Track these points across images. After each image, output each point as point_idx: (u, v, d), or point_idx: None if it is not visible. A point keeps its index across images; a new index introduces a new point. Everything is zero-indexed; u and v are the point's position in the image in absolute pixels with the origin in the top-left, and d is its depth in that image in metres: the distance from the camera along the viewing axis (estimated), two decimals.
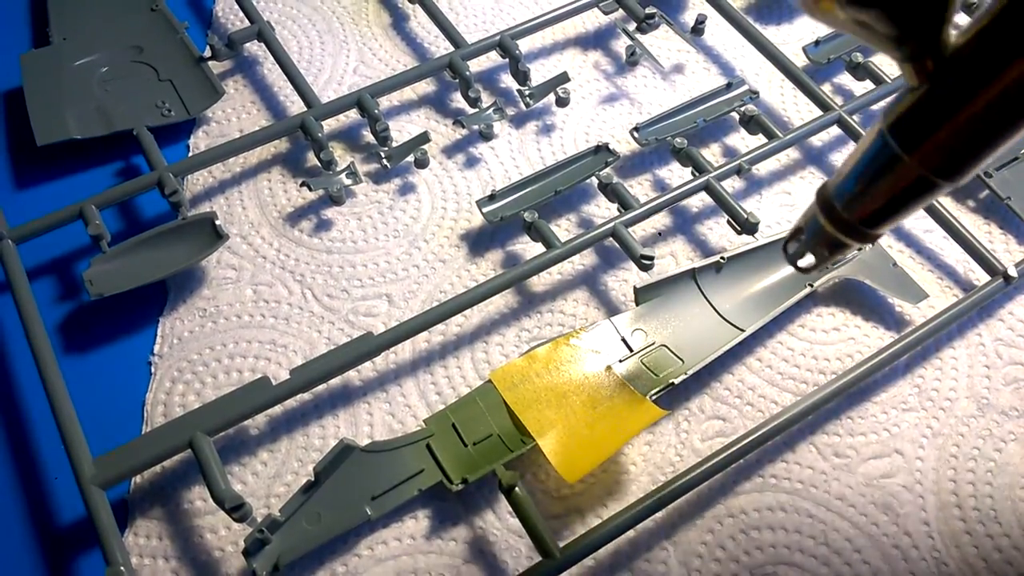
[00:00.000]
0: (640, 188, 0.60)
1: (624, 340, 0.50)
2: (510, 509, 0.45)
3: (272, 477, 0.48)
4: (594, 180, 0.57)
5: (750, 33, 0.64)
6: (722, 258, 0.52)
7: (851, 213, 0.31)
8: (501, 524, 0.46)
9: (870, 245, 0.33)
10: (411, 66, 0.64)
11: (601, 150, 0.58)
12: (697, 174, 0.57)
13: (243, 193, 0.59)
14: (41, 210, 0.54)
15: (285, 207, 0.58)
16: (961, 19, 0.64)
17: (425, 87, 0.64)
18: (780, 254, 0.53)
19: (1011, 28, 0.26)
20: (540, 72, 0.65)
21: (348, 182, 0.58)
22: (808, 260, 0.34)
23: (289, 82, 0.61)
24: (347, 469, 0.45)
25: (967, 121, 0.27)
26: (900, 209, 0.31)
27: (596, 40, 0.68)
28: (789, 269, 0.54)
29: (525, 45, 0.65)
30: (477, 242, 0.57)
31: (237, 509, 0.42)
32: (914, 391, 0.51)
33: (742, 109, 0.60)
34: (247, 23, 0.64)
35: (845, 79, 0.66)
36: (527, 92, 0.61)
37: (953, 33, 0.27)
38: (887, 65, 0.65)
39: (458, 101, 0.64)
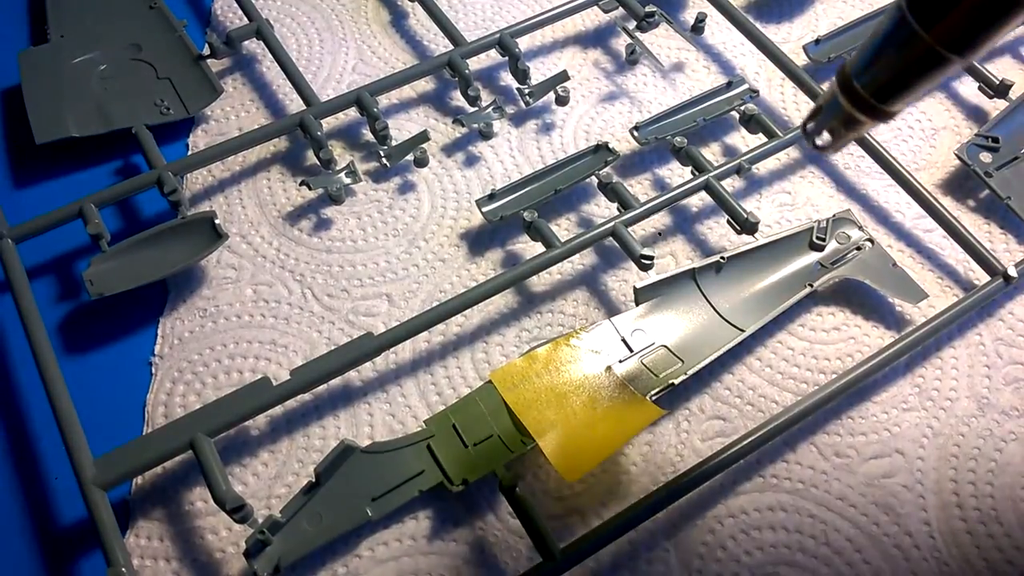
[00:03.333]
0: (640, 187, 0.59)
1: (624, 340, 0.50)
2: (510, 510, 0.45)
3: (273, 478, 0.48)
4: (594, 179, 0.57)
5: (750, 32, 0.64)
6: (722, 258, 0.52)
7: (868, 89, 0.33)
8: (501, 525, 0.46)
9: (882, 123, 0.35)
10: (410, 64, 0.64)
11: (601, 149, 0.58)
12: (697, 173, 0.57)
13: (242, 192, 0.59)
14: (40, 209, 0.53)
15: (284, 206, 0.58)
16: None
17: (424, 85, 0.64)
18: (780, 254, 0.54)
19: None
20: (540, 70, 0.65)
21: (347, 181, 0.57)
22: (825, 138, 0.36)
23: (288, 80, 0.61)
24: (348, 470, 0.45)
25: None
26: (913, 84, 0.32)
27: (596, 38, 0.68)
28: (789, 269, 0.54)
29: (525, 43, 0.65)
30: (477, 241, 0.57)
31: (238, 510, 0.42)
32: (914, 391, 0.51)
33: (742, 108, 0.60)
34: (246, 21, 0.64)
35: None
36: (527, 91, 0.61)
37: None
38: None
39: (457, 99, 0.63)
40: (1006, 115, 0.60)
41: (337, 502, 0.45)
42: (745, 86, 0.62)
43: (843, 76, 0.33)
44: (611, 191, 0.55)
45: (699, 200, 0.58)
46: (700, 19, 0.65)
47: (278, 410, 0.49)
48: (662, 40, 0.67)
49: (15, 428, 0.50)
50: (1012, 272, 0.53)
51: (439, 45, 0.66)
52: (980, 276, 0.55)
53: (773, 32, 0.67)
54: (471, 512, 0.47)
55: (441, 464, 0.46)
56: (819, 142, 0.36)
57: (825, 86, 0.62)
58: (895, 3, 0.31)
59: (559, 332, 0.53)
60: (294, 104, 0.62)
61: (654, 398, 0.48)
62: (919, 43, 0.30)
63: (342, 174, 0.57)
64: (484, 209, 0.55)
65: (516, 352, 0.52)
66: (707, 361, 0.49)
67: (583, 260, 0.56)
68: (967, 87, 0.64)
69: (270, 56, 0.63)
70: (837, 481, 0.48)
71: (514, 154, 0.61)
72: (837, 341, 0.53)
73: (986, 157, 0.58)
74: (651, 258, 0.52)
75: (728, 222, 0.55)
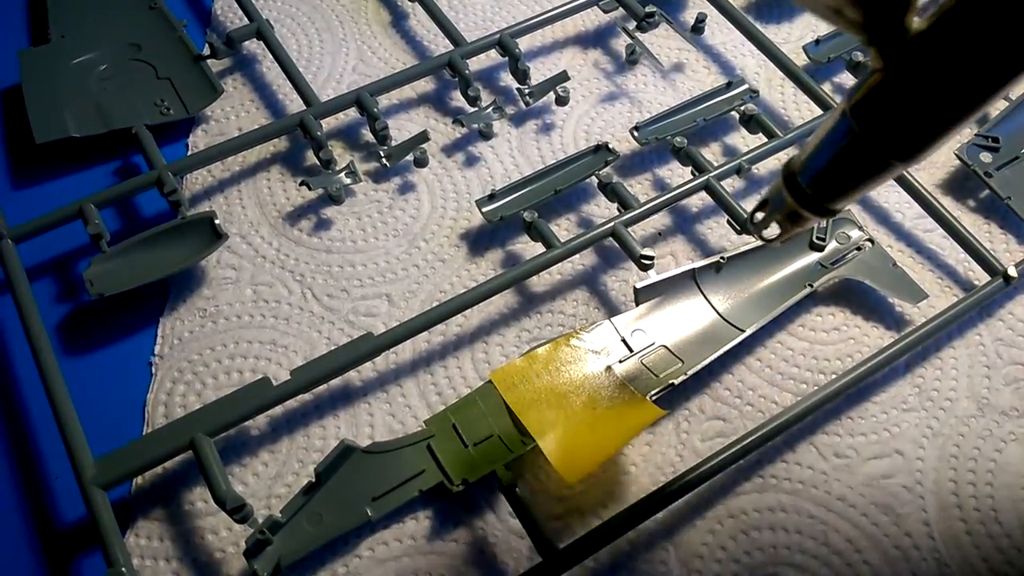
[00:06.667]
0: (640, 188, 0.59)
1: (624, 340, 0.50)
2: (510, 510, 0.45)
3: (273, 478, 0.48)
4: (594, 179, 0.57)
5: (750, 32, 0.64)
6: (722, 258, 0.52)
7: (812, 188, 0.33)
8: (501, 525, 0.46)
9: (827, 221, 0.36)
10: (410, 64, 0.63)
11: (601, 149, 0.58)
12: (697, 173, 0.57)
13: (242, 192, 0.59)
14: (40, 209, 0.53)
15: (284, 206, 0.58)
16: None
17: (424, 86, 0.64)
18: (780, 254, 0.54)
19: (969, 14, 0.26)
20: (540, 71, 0.65)
21: (347, 181, 0.57)
22: (772, 230, 0.36)
23: (288, 80, 0.61)
24: (348, 470, 0.45)
25: (924, 104, 0.28)
26: (858, 186, 0.32)
27: (596, 39, 0.68)
28: (789, 269, 0.54)
29: (525, 44, 0.65)
30: (477, 242, 0.57)
31: (238, 510, 0.42)
32: (914, 391, 0.51)
33: (742, 108, 0.60)
34: (246, 21, 0.64)
35: (845, 78, 0.66)
36: (527, 91, 0.61)
37: (916, 20, 0.28)
38: None
39: (457, 100, 0.63)
40: (1006, 115, 0.60)
41: (337, 502, 0.45)
42: (745, 86, 0.62)
43: (788, 173, 0.34)
44: (611, 191, 0.55)
45: (699, 200, 0.58)
46: (700, 19, 0.65)
47: (278, 410, 0.49)
48: (662, 40, 0.67)
49: (15, 428, 0.50)
50: (1012, 272, 0.53)
51: (439, 45, 0.66)
52: (980, 276, 0.55)
53: (773, 32, 0.67)
54: (471, 512, 0.47)
55: (441, 464, 0.46)
56: (766, 234, 0.36)
57: (825, 86, 0.63)
58: (840, 109, 0.30)
59: (559, 332, 0.53)
60: (294, 104, 0.62)
61: (654, 398, 0.48)
62: (863, 149, 0.30)
63: (342, 174, 0.57)
64: (484, 209, 0.55)
65: (516, 352, 0.52)
66: (707, 361, 0.49)
67: (583, 260, 0.56)
68: None
69: (270, 56, 0.63)
70: (837, 481, 0.48)
71: (514, 154, 0.61)
72: (837, 341, 0.53)
73: (986, 157, 0.58)
74: (651, 258, 0.52)
75: (728, 222, 0.55)
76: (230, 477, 0.45)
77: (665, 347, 0.50)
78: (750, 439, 0.47)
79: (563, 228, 0.57)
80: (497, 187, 0.56)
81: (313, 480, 0.44)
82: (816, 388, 0.49)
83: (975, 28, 0.26)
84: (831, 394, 0.48)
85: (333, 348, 0.49)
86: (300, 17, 0.68)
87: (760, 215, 0.36)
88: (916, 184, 0.57)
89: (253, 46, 0.66)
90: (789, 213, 0.34)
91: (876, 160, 0.30)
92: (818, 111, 0.61)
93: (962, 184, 0.60)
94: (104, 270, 0.51)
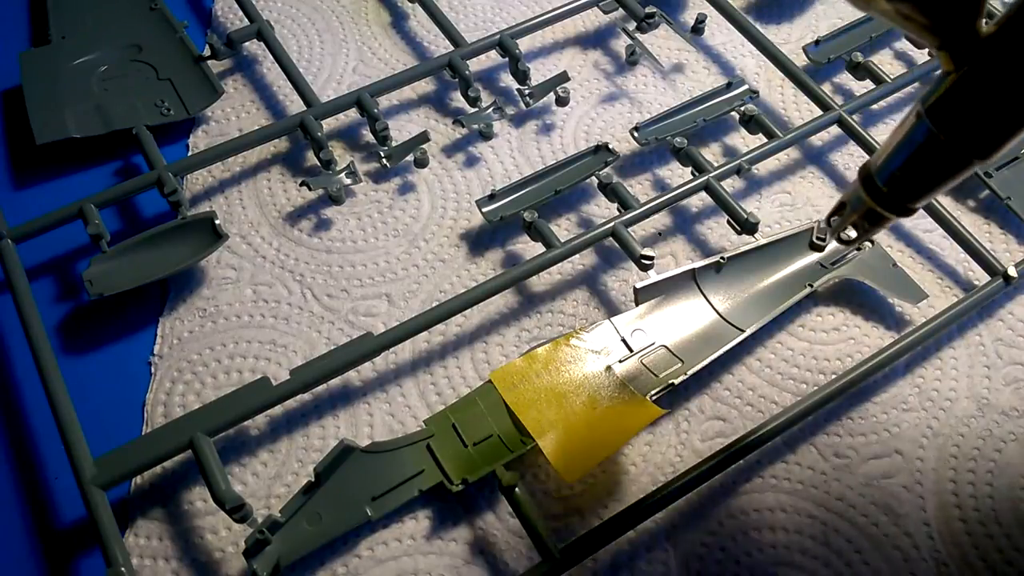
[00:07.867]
0: (640, 188, 0.59)
1: (624, 340, 0.50)
2: (510, 510, 0.46)
3: (272, 478, 0.48)
4: (594, 180, 0.57)
5: (750, 32, 0.64)
6: (722, 258, 0.52)
7: (891, 188, 0.34)
8: (501, 525, 0.46)
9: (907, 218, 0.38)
10: (410, 65, 0.63)
11: (601, 150, 0.58)
12: (697, 174, 0.57)
13: (242, 193, 0.59)
14: (40, 209, 0.53)
15: (285, 207, 0.58)
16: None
17: (425, 86, 0.64)
18: (780, 254, 0.54)
19: None
20: (540, 71, 0.65)
21: (348, 181, 0.57)
22: (850, 232, 0.37)
23: (288, 81, 0.61)
24: (347, 470, 0.45)
25: (997, 103, 0.29)
26: (937, 184, 0.33)
27: (596, 39, 0.68)
28: (789, 269, 0.54)
29: (525, 44, 0.65)
30: (477, 242, 0.57)
31: (238, 510, 0.42)
32: (914, 391, 0.51)
33: (742, 109, 0.60)
34: (246, 22, 0.64)
35: (845, 79, 0.66)
36: (527, 91, 0.61)
37: (985, 22, 0.29)
38: (887, 65, 0.65)
39: (458, 100, 0.63)
40: None
41: (337, 502, 0.45)
42: (745, 87, 0.62)
43: (866, 175, 0.35)
44: (611, 191, 0.55)
45: (699, 200, 0.58)
46: (700, 20, 0.65)
47: (278, 410, 0.49)
48: (662, 41, 0.67)
49: (15, 428, 0.50)
50: (1012, 272, 0.53)
51: (439, 46, 0.66)
52: (980, 276, 0.55)
53: (773, 33, 0.67)
54: (471, 512, 0.47)
55: (441, 464, 0.46)
56: (844, 236, 0.38)
57: (825, 86, 0.63)
58: (915, 110, 0.31)
59: (559, 332, 0.53)
60: (294, 105, 0.62)
61: (654, 398, 0.48)
62: (940, 147, 0.31)
63: (342, 175, 0.57)
64: (484, 209, 0.55)
65: (516, 352, 0.52)
66: (707, 361, 0.49)
67: (583, 260, 0.56)
68: None
69: (271, 57, 0.63)
70: (837, 482, 0.48)
71: (514, 155, 0.61)
72: (837, 341, 0.53)
73: None
74: (651, 258, 0.52)
75: (728, 222, 0.55)
76: (229, 477, 0.45)
77: (665, 347, 0.50)
78: (750, 439, 0.47)
79: (563, 228, 0.57)
80: (497, 187, 0.56)
81: (312, 480, 0.44)
82: (816, 388, 0.49)
83: None
84: (831, 394, 0.48)
85: (333, 348, 0.49)
86: (300, 18, 0.68)
87: (837, 218, 0.37)
88: None
89: (253, 47, 0.66)
90: (867, 213, 0.36)
91: (955, 159, 0.31)
92: (818, 111, 0.61)
93: (962, 184, 0.60)
94: (104, 270, 0.51)
